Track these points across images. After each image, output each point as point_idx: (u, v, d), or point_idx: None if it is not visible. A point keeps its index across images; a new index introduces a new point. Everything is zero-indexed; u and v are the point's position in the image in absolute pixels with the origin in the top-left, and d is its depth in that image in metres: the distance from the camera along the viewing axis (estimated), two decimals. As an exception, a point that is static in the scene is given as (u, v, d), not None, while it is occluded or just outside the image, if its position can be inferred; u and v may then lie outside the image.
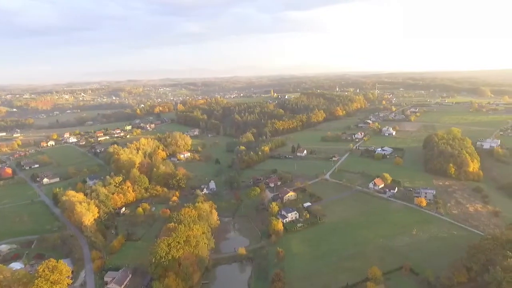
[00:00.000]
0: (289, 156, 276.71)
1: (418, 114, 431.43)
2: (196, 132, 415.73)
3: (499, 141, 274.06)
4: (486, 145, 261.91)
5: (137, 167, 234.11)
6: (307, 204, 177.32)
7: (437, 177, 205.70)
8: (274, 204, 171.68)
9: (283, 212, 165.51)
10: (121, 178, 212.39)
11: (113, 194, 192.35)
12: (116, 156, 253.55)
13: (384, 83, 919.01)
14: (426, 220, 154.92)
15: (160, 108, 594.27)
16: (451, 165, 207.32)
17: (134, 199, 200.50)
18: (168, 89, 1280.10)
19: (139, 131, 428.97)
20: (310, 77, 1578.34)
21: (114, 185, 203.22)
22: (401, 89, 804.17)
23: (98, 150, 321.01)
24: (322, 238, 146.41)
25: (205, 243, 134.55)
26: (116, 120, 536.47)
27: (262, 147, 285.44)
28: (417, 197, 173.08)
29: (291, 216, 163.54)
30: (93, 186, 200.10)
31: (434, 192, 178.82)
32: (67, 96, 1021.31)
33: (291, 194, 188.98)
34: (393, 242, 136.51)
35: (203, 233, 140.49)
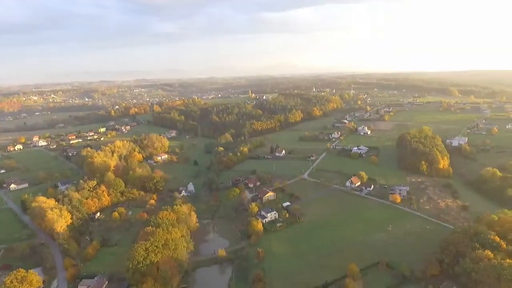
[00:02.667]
0: (268, 157, 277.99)
1: (391, 113, 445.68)
2: (174, 133, 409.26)
3: (467, 138, 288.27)
4: (455, 143, 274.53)
5: (112, 170, 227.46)
6: (286, 203, 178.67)
7: (410, 174, 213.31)
8: (253, 204, 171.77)
9: (263, 213, 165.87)
10: (95, 182, 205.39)
11: (86, 199, 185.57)
12: (90, 159, 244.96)
13: (359, 83, 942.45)
14: (400, 216, 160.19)
15: (136, 110, 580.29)
16: (423, 162, 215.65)
17: (110, 204, 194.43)
18: (143, 90, 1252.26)
19: (114, 133, 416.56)
20: (287, 78, 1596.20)
21: (88, 190, 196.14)
22: (375, 89, 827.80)
23: (70, 154, 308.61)
24: (301, 237, 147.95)
25: (184, 246, 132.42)
26: (89, 122, 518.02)
27: (241, 148, 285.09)
28: (392, 194, 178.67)
29: (271, 216, 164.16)
30: (65, 191, 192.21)
31: (408, 189, 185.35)
32: (35, 98, 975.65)
33: (270, 194, 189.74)
34: (370, 239, 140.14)
35: (182, 236, 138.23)
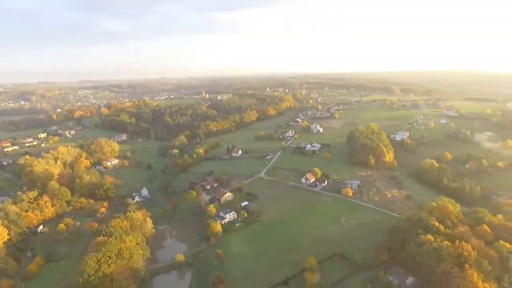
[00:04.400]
0: (225, 157, 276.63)
1: (341, 111, 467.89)
2: (124, 137, 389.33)
3: (408, 133, 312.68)
4: (398, 138, 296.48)
5: (56, 178, 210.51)
6: (245, 203, 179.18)
7: (360, 168, 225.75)
8: (211, 206, 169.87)
9: (221, 214, 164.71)
10: (36, 193, 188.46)
11: (26, 211, 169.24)
12: (29, 168, 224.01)
13: (311, 83, 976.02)
14: (352, 208, 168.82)
15: (81, 113, 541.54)
16: (371, 157, 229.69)
17: (54, 215, 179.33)
18: (89, 91, 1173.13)
19: (56, 138, 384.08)
20: (240, 78, 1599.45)
21: (28, 201, 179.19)
22: (326, 88, 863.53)
23: (5, 163, 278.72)
24: (260, 235, 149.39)
25: (140, 254, 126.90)
26: (27, 128, 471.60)
27: (197, 150, 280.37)
28: (344, 188, 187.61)
29: (229, 216, 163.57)
30: (0, 205, 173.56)
31: (358, 182, 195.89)
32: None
33: (228, 195, 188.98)
34: (326, 232, 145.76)
35: (137, 243, 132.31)
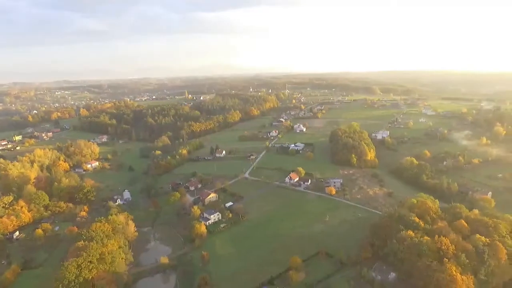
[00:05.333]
0: (208, 158, 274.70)
1: (323, 111, 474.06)
2: (105, 138, 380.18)
3: (388, 132, 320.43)
4: (379, 136, 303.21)
5: (33, 182, 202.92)
6: (229, 204, 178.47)
7: (343, 167, 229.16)
8: (195, 207, 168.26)
9: (206, 215, 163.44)
10: (11, 198, 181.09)
11: (1, 217, 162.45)
12: (4, 172, 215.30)
13: (293, 83, 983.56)
14: (336, 206, 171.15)
15: (59, 114, 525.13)
16: (353, 155, 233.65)
17: (31, 220, 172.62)
18: (67, 92, 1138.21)
19: (32, 141, 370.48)
20: (224, 78, 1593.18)
21: (3, 207, 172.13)
22: (308, 88, 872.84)
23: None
24: (245, 236, 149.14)
25: (122, 258, 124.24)
26: (0, 130, 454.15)
27: (180, 151, 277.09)
28: (327, 186, 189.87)
29: (214, 217, 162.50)
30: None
31: (341, 181, 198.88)
32: None
33: (212, 196, 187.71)
34: (310, 230, 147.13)
35: (119, 247, 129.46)
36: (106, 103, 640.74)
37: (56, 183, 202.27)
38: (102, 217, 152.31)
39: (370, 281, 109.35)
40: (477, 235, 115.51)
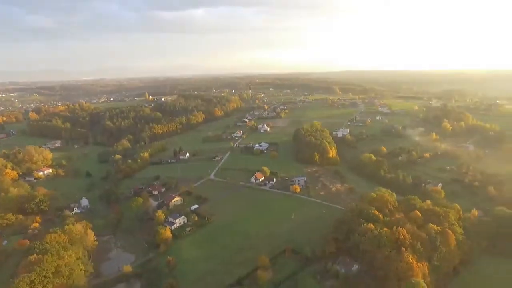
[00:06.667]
0: (172, 161, 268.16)
1: (286, 111, 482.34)
2: (58, 143, 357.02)
3: (348, 130, 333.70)
4: (340, 134, 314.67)
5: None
6: (195, 206, 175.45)
7: (306, 165, 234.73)
8: (159, 212, 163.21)
9: (170, 219, 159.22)
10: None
11: None
12: None
13: (256, 83, 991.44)
14: (301, 204, 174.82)
15: (4, 118, 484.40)
16: (316, 153, 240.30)
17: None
18: (13, 94, 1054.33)
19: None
20: (186, 79, 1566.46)
21: None
22: (271, 89, 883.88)
23: None
24: (212, 238, 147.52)
25: (81, 270, 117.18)
26: None
27: (141, 154, 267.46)
28: (292, 185, 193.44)
29: (179, 221, 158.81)
30: None
31: (305, 179, 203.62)
32: None
33: (177, 199, 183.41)
34: (277, 229, 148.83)
35: (78, 258, 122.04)
36: (58, 105, 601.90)
37: (3, 194, 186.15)
38: (58, 228, 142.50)
39: (335, 274, 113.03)
40: (430, 224, 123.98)
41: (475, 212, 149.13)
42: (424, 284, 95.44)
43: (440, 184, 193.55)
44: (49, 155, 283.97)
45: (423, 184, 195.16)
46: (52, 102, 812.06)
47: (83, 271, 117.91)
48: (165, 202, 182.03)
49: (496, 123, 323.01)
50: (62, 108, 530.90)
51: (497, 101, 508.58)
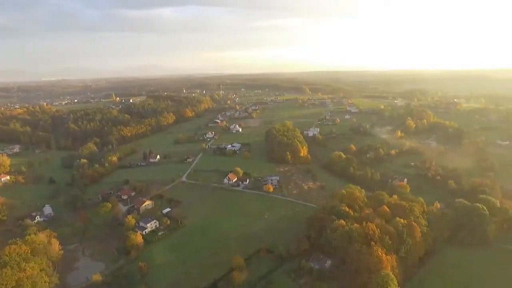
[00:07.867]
0: (142, 164, 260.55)
1: (258, 111, 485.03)
2: (17, 149, 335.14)
3: (318, 129, 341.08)
4: (310, 133, 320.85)
5: None
6: (167, 210, 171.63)
7: (279, 164, 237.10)
8: (130, 217, 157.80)
9: (141, 224, 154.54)
10: None
11: None
12: None
13: (227, 84, 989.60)
14: (274, 203, 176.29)
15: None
16: (288, 153, 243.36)
17: None
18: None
19: None
20: (155, 80, 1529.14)
21: None
22: (243, 89, 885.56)
23: None
24: (186, 241, 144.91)
25: (45, 282, 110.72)
26: None
27: (109, 158, 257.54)
28: (265, 184, 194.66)
29: (151, 225, 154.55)
30: None
31: (278, 178, 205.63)
32: None
33: (147, 203, 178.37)
34: (251, 229, 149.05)
35: (41, 270, 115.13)
36: (16, 108, 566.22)
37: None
38: (17, 238, 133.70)
39: (309, 271, 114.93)
40: (397, 218, 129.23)
41: (437, 205, 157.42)
42: (393, 276, 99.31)
43: (405, 180, 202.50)
44: (7, 161, 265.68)
45: (390, 180, 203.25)
46: (9, 104, 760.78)
47: (47, 283, 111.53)
48: (135, 206, 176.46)
49: (455, 121, 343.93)
50: (20, 111, 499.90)
51: (455, 100, 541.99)
